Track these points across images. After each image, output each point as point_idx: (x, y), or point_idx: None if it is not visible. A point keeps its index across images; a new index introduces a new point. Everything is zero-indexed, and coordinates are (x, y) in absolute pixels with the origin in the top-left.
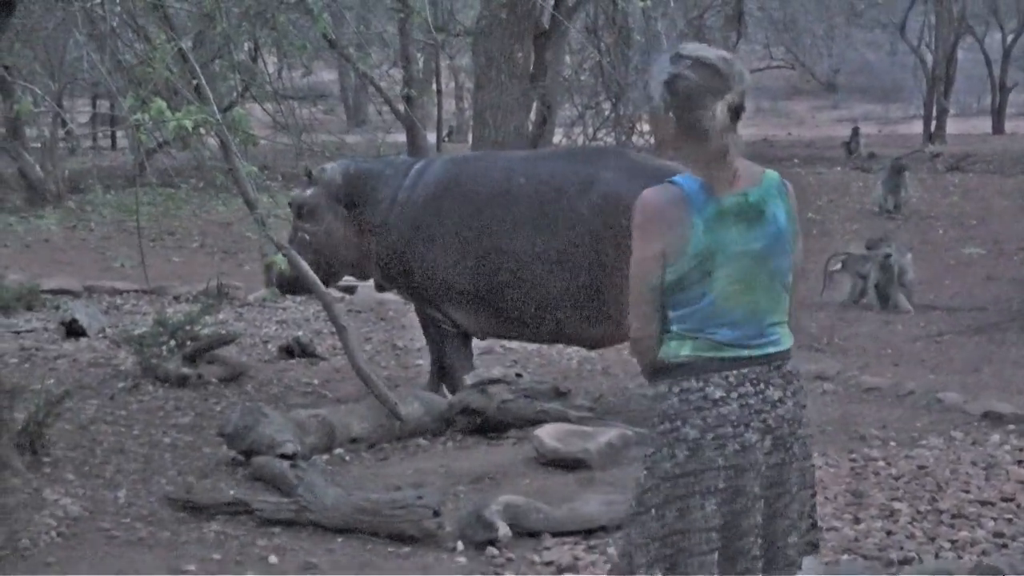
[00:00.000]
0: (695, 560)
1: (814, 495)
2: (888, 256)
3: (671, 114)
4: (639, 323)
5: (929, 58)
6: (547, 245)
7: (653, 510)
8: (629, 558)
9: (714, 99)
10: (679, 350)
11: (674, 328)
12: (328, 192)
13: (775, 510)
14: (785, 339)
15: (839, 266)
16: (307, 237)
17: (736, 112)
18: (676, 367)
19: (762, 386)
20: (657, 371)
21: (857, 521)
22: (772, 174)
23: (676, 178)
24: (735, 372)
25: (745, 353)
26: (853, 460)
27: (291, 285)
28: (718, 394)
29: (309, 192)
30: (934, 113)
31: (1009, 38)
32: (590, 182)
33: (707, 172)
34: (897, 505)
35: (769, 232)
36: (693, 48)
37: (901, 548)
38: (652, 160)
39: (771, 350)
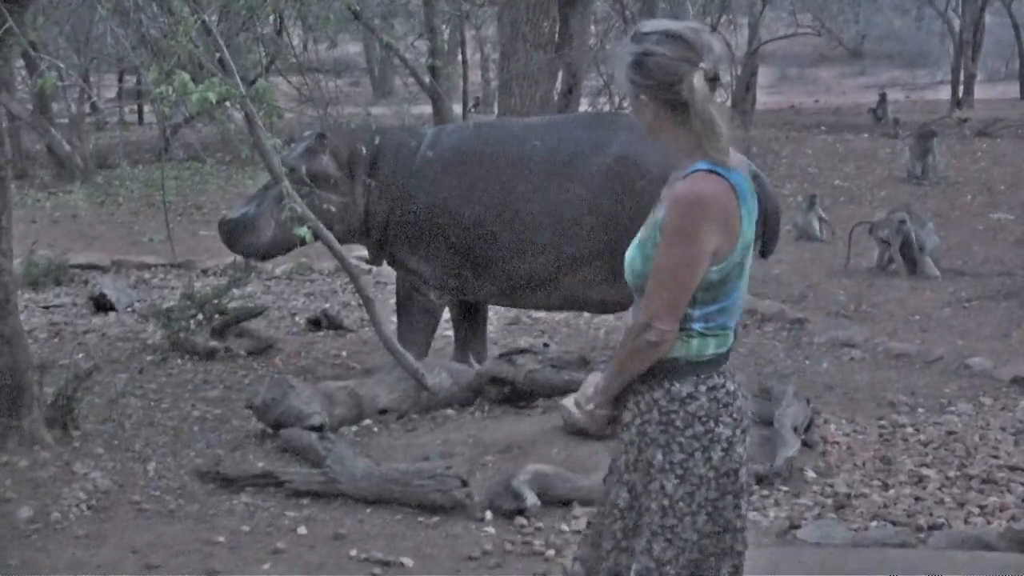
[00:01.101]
0: (727, 561)
1: None
2: (903, 222)
3: (643, 96)
4: (671, 325)
5: (956, 23)
6: (561, 207)
7: (687, 518)
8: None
9: (690, 69)
10: (704, 349)
11: (696, 327)
12: (338, 159)
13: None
14: None
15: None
16: (317, 203)
17: (712, 83)
18: (699, 365)
19: (735, 373)
20: (672, 370)
21: (886, 487)
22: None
23: (717, 168)
24: (728, 362)
25: (733, 340)
26: (882, 427)
27: (258, 250)
28: (733, 387)
29: (322, 159)
30: (961, 79)
31: None
32: (604, 144)
33: (721, 146)
34: (926, 471)
35: (755, 224)
36: (655, 23)
37: (930, 514)
38: None
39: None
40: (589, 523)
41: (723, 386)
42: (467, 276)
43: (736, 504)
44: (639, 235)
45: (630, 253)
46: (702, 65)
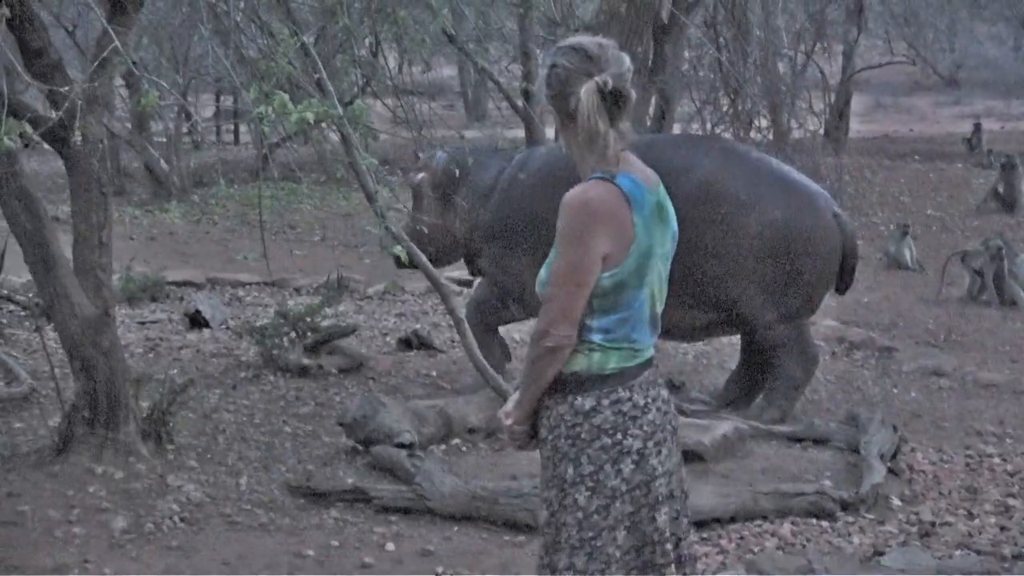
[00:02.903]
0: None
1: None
2: (1000, 248)
3: (550, 107)
4: (567, 330)
5: None
6: None
7: (605, 532)
8: None
9: (582, 81)
10: (604, 363)
11: (596, 339)
12: (432, 178)
13: (677, 511)
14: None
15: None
16: (412, 223)
17: (614, 97)
18: (602, 379)
19: (658, 387)
20: (575, 384)
21: (971, 516)
22: (654, 173)
23: (612, 176)
24: (642, 376)
25: (648, 355)
26: (969, 456)
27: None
28: (643, 401)
29: (417, 178)
30: None
31: None
32: (690, 168)
33: (592, 160)
34: (1012, 501)
35: (670, 236)
36: (572, 38)
37: (1015, 544)
38: (752, 150)
39: (654, 350)
40: None
41: (629, 399)
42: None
43: (652, 517)
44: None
45: (543, 267)
46: (596, 77)
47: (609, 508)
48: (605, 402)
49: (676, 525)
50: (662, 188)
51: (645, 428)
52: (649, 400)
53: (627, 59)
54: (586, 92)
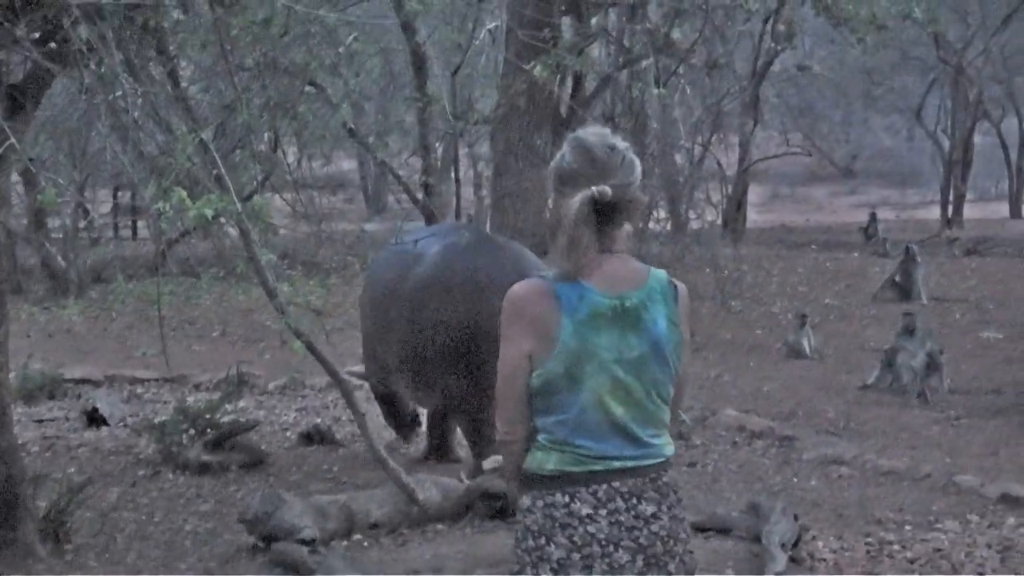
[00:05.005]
0: None
1: None
2: (941, 352)
3: (551, 198)
4: (505, 426)
5: (946, 143)
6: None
7: None
8: None
9: (583, 186)
10: (544, 463)
11: (541, 439)
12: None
13: None
14: (664, 449)
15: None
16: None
17: (610, 206)
18: (541, 479)
19: (635, 501)
20: (523, 481)
21: None
22: (659, 275)
23: (547, 273)
24: (605, 487)
25: (616, 465)
26: (869, 543)
27: None
28: (585, 511)
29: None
30: (951, 198)
31: None
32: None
33: (567, 264)
34: None
35: (646, 340)
36: (588, 131)
37: None
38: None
39: (647, 462)
40: None
41: (565, 505)
42: None
43: None
44: None
45: None
46: (595, 188)
47: None
48: (540, 503)
49: None
50: (641, 293)
51: (575, 539)
52: (599, 512)
53: (638, 166)
54: (578, 202)
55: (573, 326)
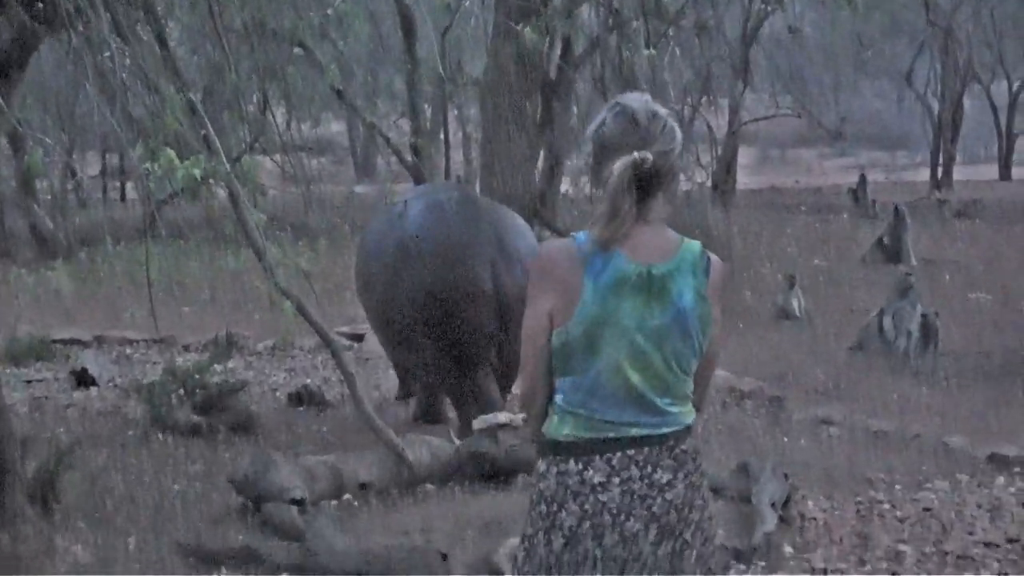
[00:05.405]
0: None
1: None
2: (937, 315)
3: (590, 164)
4: (526, 383)
5: (936, 106)
6: None
7: None
8: None
9: (624, 153)
10: (560, 428)
11: (558, 400)
12: None
13: None
14: (683, 417)
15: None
16: None
17: (650, 175)
18: (556, 445)
19: (649, 469)
20: (540, 446)
21: (863, 563)
22: (693, 246)
23: (579, 234)
24: (619, 454)
25: (632, 432)
26: (859, 503)
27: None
28: (597, 479)
29: None
30: (941, 161)
31: (1015, 86)
32: None
33: (606, 233)
34: (903, 547)
35: (670, 311)
36: (629, 96)
37: None
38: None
39: (664, 430)
40: None
41: (578, 473)
42: None
43: None
44: None
45: None
46: (636, 153)
47: None
48: (553, 470)
49: None
50: (671, 263)
51: (586, 507)
52: (611, 481)
53: (678, 133)
54: (619, 167)
55: (596, 290)
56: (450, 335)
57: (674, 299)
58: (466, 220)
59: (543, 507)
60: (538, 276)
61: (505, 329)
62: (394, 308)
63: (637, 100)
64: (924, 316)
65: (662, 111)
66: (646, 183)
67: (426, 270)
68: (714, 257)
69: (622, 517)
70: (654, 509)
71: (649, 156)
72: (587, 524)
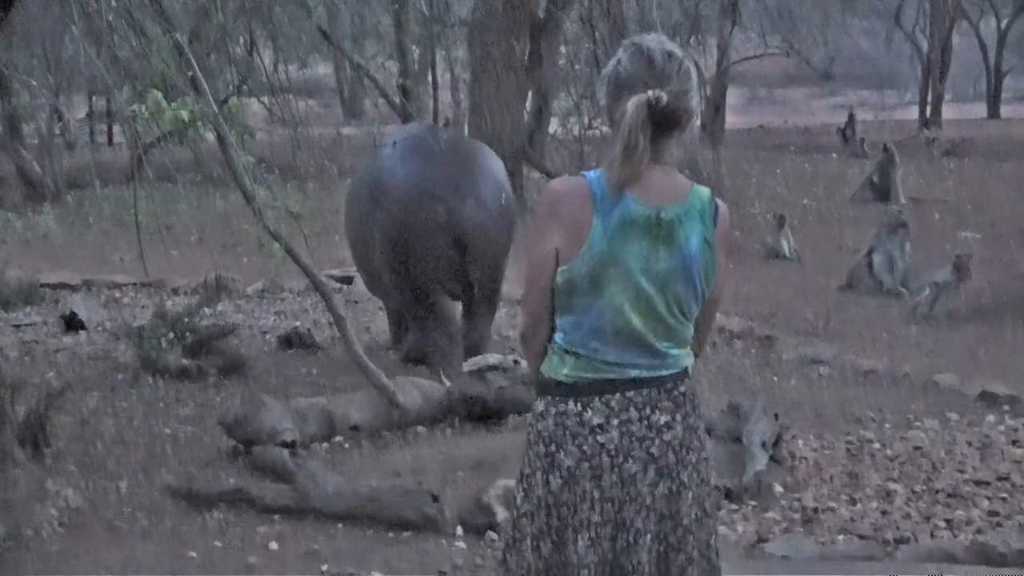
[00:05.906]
0: None
1: (715, 525)
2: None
3: (605, 103)
4: (527, 320)
5: (924, 45)
6: None
7: (529, 539)
8: None
9: (639, 92)
10: (559, 367)
11: (558, 339)
12: None
13: (669, 544)
14: (681, 360)
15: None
16: None
17: (665, 114)
18: (556, 385)
19: (648, 411)
20: (539, 386)
21: (853, 502)
22: (702, 192)
23: (590, 172)
24: (618, 396)
25: (632, 374)
26: (849, 442)
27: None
28: (596, 420)
29: None
30: (929, 99)
31: (1004, 23)
32: None
33: (618, 173)
34: (893, 486)
35: (676, 255)
36: (646, 37)
37: (897, 528)
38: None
39: (663, 372)
40: None
41: (577, 414)
42: None
43: (575, 539)
44: None
45: None
46: (651, 92)
47: (534, 516)
48: (552, 410)
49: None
50: (680, 208)
51: (584, 448)
52: (611, 422)
53: (694, 75)
54: (633, 105)
55: (604, 230)
56: (418, 273)
57: (681, 244)
58: (439, 160)
59: (541, 447)
60: (547, 212)
61: (463, 254)
62: (367, 243)
63: (653, 40)
64: (958, 256)
65: (678, 51)
66: (660, 123)
67: (393, 207)
68: (722, 204)
69: (620, 458)
70: (652, 450)
71: (664, 95)
72: (586, 465)
